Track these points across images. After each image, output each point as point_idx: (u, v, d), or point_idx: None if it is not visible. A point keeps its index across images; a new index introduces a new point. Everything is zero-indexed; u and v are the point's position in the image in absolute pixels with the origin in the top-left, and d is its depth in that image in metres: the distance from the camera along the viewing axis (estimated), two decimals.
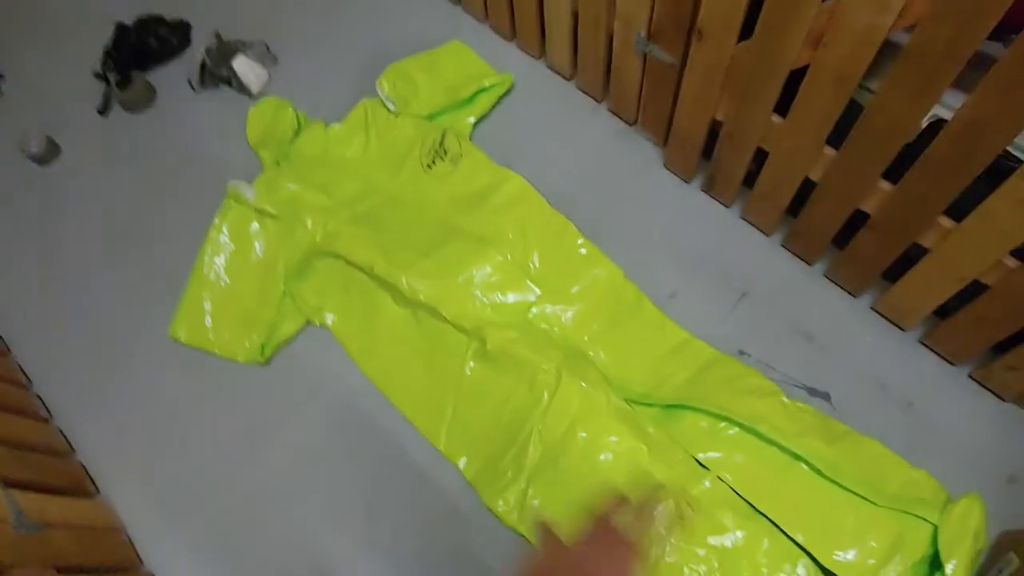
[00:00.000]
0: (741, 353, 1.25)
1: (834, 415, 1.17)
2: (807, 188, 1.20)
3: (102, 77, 1.76)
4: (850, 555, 1.00)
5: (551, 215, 1.36)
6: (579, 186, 1.44)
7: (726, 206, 1.42)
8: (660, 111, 1.41)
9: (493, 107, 1.58)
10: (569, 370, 1.14)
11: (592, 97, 1.58)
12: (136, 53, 1.75)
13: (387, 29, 1.76)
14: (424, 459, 1.23)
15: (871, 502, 1.02)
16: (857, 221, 1.15)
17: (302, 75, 1.71)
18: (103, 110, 1.72)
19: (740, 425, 1.09)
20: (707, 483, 1.06)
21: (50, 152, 1.66)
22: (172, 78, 1.76)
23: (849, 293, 1.30)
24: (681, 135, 1.36)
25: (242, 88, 1.68)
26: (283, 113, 1.59)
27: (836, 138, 1.06)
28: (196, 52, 1.68)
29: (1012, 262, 1.00)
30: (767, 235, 1.37)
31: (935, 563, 0.97)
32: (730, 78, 1.16)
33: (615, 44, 1.37)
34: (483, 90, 1.55)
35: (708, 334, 1.25)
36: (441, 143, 1.46)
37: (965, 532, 0.96)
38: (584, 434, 1.11)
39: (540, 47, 1.62)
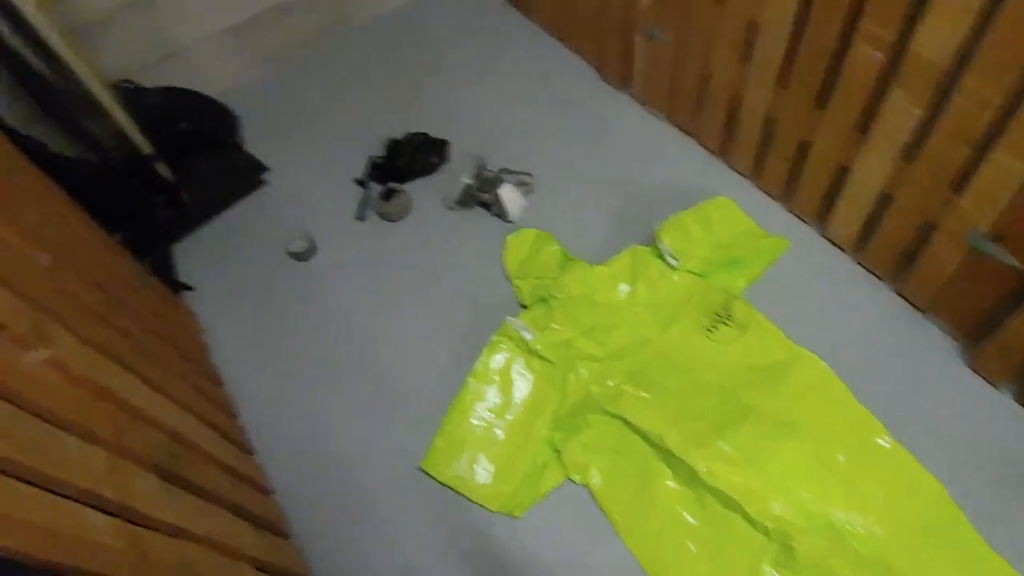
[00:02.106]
0: None
1: None
2: None
3: (363, 184, 1.83)
4: None
5: (855, 408, 1.25)
6: (861, 371, 1.33)
7: None
8: (978, 308, 1.30)
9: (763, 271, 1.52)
10: None
11: (874, 274, 1.49)
12: (400, 166, 1.82)
13: (644, 172, 1.76)
14: None
15: None
16: None
17: (557, 207, 1.72)
18: (361, 217, 1.78)
19: None
20: None
21: (309, 251, 1.71)
22: (428, 192, 1.81)
23: None
24: (1010, 341, 1.24)
25: (501, 214, 1.70)
26: (547, 246, 1.58)
27: None
28: (460, 174, 1.73)
29: None
30: None
31: None
32: None
33: (936, 234, 1.29)
34: (757, 253, 1.49)
35: None
36: (725, 307, 1.39)
37: None
38: None
39: (819, 215, 1.56)
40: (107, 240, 1.41)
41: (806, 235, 1.58)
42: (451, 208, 1.76)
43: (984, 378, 1.32)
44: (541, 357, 1.36)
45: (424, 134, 1.86)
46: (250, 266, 1.73)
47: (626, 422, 1.26)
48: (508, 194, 1.68)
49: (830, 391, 1.26)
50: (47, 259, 0.98)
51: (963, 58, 1.09)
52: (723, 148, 1.72)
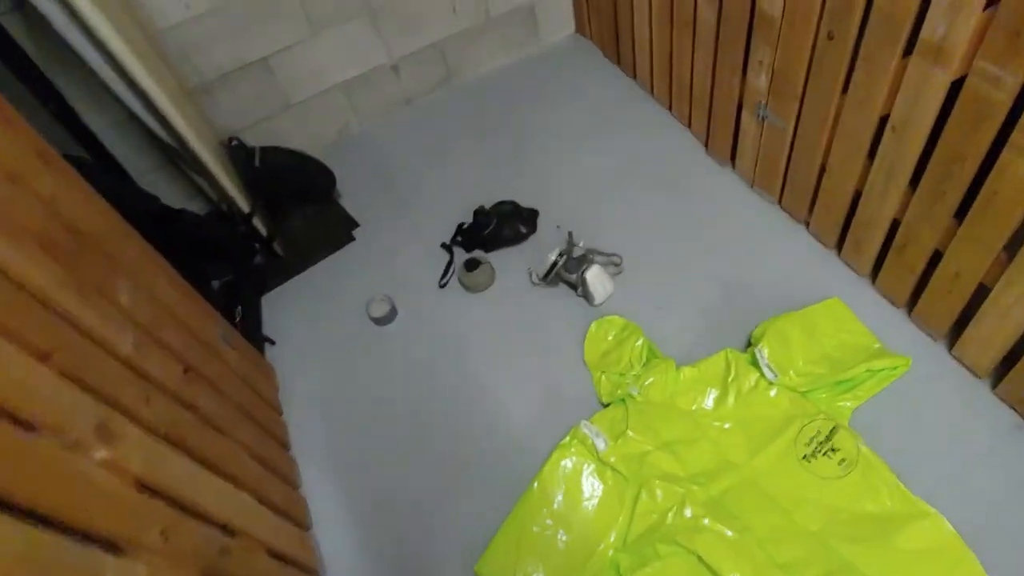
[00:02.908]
0: None
1: None
2: None
3: (449, 250, 1.81)
4: None
5: None
6: (994, 537, 1.12)
7: None
8: None
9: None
10: None
11: (1017, 411, 1.28)
12: (485, 235, 1.78)
13: (747, 262, 1.62)
14: None
15: None
16: None
17: (647, 295, 1.62)
18: (444, 284, 1.75)
19: None
20: None
21: (389, 315, 1.70)
22: (514, 263, 1.76)
23: None
24: None
25: (586, 296, 1.61)
26: (632, 339, 1.48)
27: None
28: (548, 248, 1.66)
29: None
30: None
31: None
32: None
33: None
34: (871, 370, 1.32)
35: None
36: (829, 437, 1.23)
37: None
38: None
39: (949, 332, 1.36)
40: (196, 299, 1.44)
41: (932, 353, 1.39)
42: (536, 284, 1.69)
43: None
44: (613, 468, 1.26)
45: (513, 202, 1.82)
46: (332, 324, 1.73)
47: (700, 559, 1.12)
48: (595, 276, 1.59)
49: (955, 559, 1.07)
50: (129, 345, 1.00)
51: None
52: (840, 243, 1.56)
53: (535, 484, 1.29)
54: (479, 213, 1.80)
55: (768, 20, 1.41)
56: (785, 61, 1.42)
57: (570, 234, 1.67)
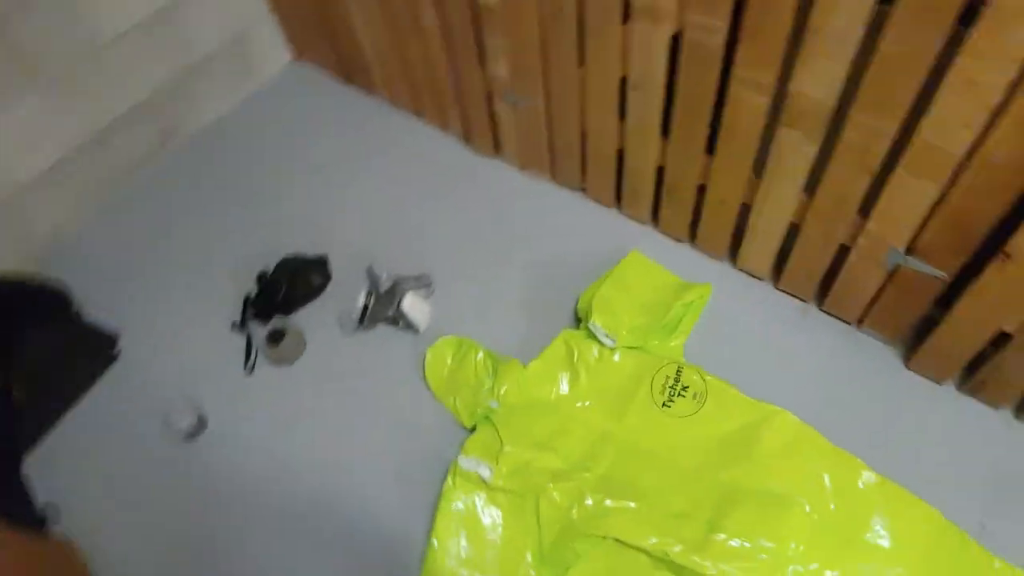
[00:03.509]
0: None
1: None
2: None
3: (242, 329, 1.59)
4: None
5: (833, 453, 1.21)
6: (814, 402, 1.30)
7: (994, 408, 1.30)
8: (907, 317, 1.31)
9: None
10: None
11: (799, 298, 1.49)
12: (278, 300, 1.60)
13: (546, 242, 1.67)
14: None
15: None
16: None
17: (466, 305, 1.58)
18: (251, 369, 1.54)
19: None
20: None
21: (198, 425, 1.45)
22: (319, 318, 1.60)
23: None
24: (944, 344, 1.26)
25: (409, 327, 1.53)
26: (471, 354, 1.44)
27: None
28: (352, 291, 1.55)
29: None
30: None
31: None
32: None
33: (852, 256, 1.29)
34: (684, 306, 1.44)
35: None
36: (677, 379, 1.32)
37: None
38: None
39: (727, 249, 1.53)
40: None
41: (722, 272, 1.55)
42: (353, 333, 1.57)
43: (925, 376, 1.34)
44: (504, 490, 1.22)
45: (296, 255, 1.66)
46: (129, 460, 1.44)
47: (617, 540, 1.14)
48: (411, 305, 1.52)
49: (806, 443, 1.22)
50: None
51: (848, 94, 1.08)
52: (617, 199, 1.67)
53: (433, 541, 1.20)
54: (263, 278, 1.61)
55: (490, 10, 1.43)
56: (518, 46, 1.46)
57: (370, 269, 1.56)
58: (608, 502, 1.18)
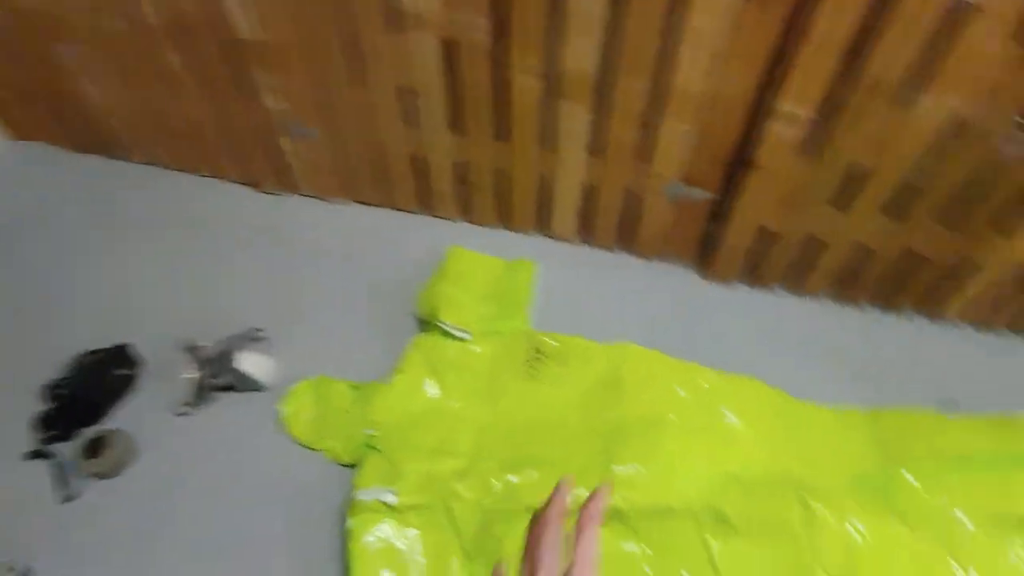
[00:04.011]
0: None
1: None
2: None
3: (44, 455, 1.35)
4: None
5: (681, 367, 1.38)
6: (647, 330, 1.47)
7: (771, 291, 1.59)
8: (694, 238, 1.54)
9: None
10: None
11: (606, 249, 1.66)
12: (81, 408, 1.38)
13: (368, 262, 1.65)
14: None
15: None
16: None
17: (307, 348, 1.50)
18: (69, 496, 1.31)
19: None
20: None
21: None
22: (143, 411, 1.41)
23: None
24: (727, 251, 1.51)
25: (252, 387, 1.42)
26: (328, 391, 1.39)
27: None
28: (174, 371, 1.39)
29: None
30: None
31: None
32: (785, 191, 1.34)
33: (644, 200, 1.48)
34: (518, 286, 1.53)
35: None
36: (536, 348, 1.40)
37: None
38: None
39: (537, 223, 1.66)
40: None
41: (538, 246, 1.67)
42: (186, 414, 1.41)
43: (723, 283, 1.60)
44: (413, 507, 1.20)
45: (88, 352, 1.44)
46: None
47: (528, 508, 1.19)
48: (250, 363, 1.41)
49: (656, 365, 1.38)
50: None
51: (607, 62, 1.24)
52: (424, 204, 1.70)
53: None
54: (55, 389, 1.38)
55: (251, 44, 1.38)
56: (291, 76, 1.43)
57: (189, 342, 1.42)
58: (513, 479, 1.22)
